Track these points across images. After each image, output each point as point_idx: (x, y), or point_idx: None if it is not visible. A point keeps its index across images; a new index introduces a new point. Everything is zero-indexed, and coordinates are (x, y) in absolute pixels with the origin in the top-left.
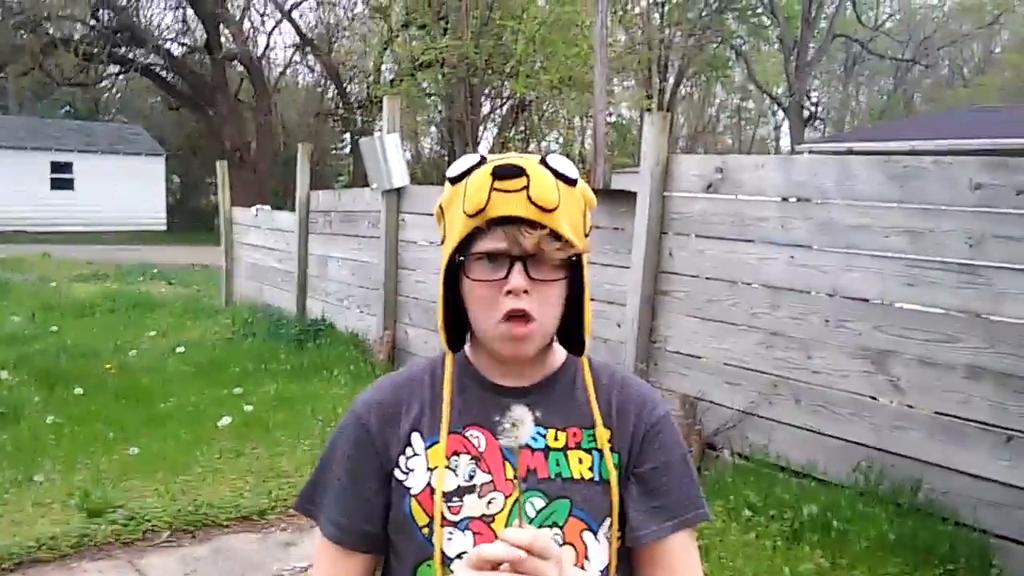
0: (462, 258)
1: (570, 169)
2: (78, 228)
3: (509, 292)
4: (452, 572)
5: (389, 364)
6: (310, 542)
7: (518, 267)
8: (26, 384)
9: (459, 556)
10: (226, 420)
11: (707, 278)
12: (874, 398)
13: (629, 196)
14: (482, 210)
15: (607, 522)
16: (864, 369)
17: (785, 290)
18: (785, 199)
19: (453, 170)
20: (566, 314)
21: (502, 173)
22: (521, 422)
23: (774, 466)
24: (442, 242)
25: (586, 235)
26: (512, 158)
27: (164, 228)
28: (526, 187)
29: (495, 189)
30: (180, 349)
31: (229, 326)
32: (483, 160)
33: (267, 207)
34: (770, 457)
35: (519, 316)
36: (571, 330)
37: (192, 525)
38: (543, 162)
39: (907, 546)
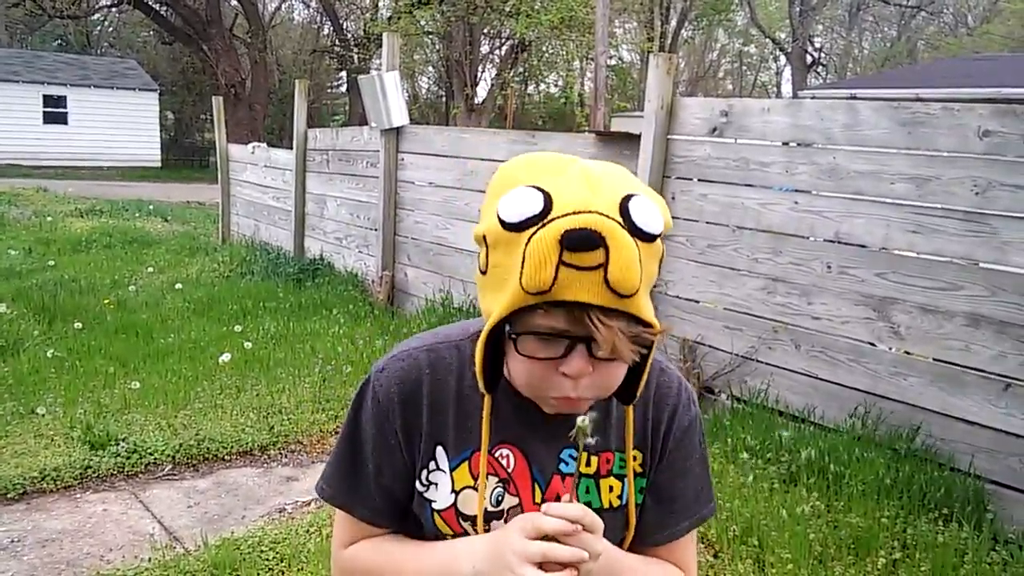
0: (513, 336)
1: (655, 222)
2: (72, 163)
3: (566, 374)
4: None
5: (388, 304)
6: (311, 477)
7: (580, 349)
8: (25, 318)
9: None
10: (226, 357)
11: (709, 223)
12: (873, 344)
13: (632, 139)
14: (546, 291)
15: (622, 537)
16: (865, 316)
17: (787, 235)
18: (786, 143)
19: (509, 213)
20: None
21: (574, 244)
22: (587, 433)
23: (772, 410)
24: (482, 271)
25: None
26: (585, 215)
27: (158, 165)
28: (603, 264)
29: (564, 263)
30: (178, 286)
31: (227, 264)
32: (548, 204)
33: (263, 145)
34: (768, 401)
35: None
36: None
37: (194, 459)
38: (623, 213)
39: (903, 490)
